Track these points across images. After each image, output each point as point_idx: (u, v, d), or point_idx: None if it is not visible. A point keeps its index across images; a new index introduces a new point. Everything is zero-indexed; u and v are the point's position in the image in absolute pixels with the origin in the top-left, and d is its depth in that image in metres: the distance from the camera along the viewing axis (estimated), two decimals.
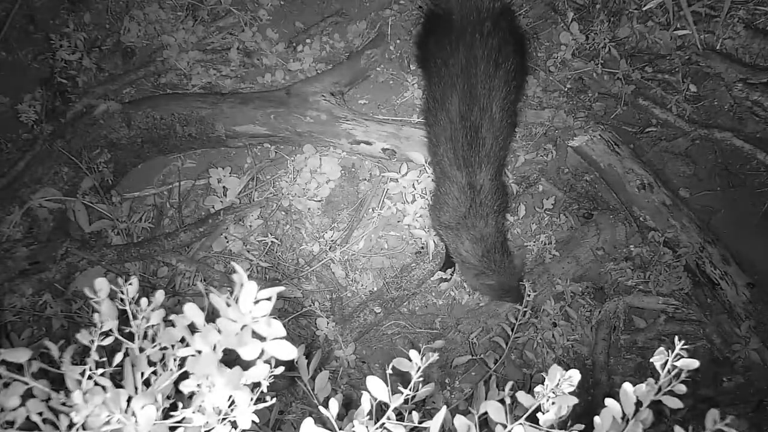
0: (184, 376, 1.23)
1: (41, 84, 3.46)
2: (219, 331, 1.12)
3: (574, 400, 1.28)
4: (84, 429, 1.21)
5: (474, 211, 2.67)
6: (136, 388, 1.30)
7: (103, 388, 1.24)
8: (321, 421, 1.43)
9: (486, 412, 1.34)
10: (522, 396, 1.29)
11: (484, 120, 2.62)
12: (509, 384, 1.40)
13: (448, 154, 2.66)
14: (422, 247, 3.16)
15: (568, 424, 1.36)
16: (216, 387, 1.16)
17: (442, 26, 2.76)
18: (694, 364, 1.29)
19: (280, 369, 1.24)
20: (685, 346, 1.30)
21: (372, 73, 3.44)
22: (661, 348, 1.32)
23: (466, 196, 2.67)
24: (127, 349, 1.33)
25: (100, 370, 1.27)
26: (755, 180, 3.27)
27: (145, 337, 1.35)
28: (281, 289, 1.12)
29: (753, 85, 3.24)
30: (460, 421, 1.32)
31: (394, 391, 1.38)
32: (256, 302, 1.10)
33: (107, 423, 1.20)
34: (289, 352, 1.12)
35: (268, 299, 1.10)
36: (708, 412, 1.26)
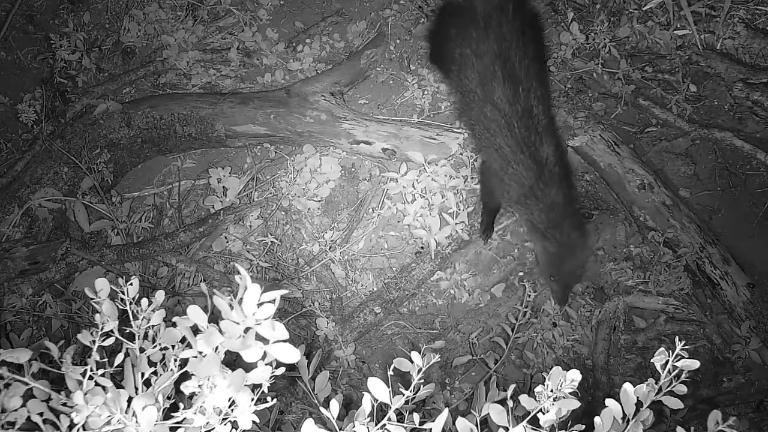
0: (185, 376, 1.23)
1: (41, 84, 3.46)
2: (221, 333, 1.12)
3: (576, 404, 1.28)
4: (85, 429, 1.21)
5: (543, 181, 2.62)
6: (136, 389, 1.30)
7: (104, 388, 1.24)
8: (321, 421, 1.43)
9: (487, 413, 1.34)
10: (524, 399, 1.29)
11: (531, 99, 2.60)
12: (512, 387, 1.40)
13: (508, 141, 2.61)
14: (422, 247, 3.16)
15: (569, 425, 1.36)
16: (218, 388, 1.16)
17: (462, 16, 2.72)
18: (695, 364, 1.29)
19: (281, 370, 1.24)
20: (686, 347, 1.30)
21: (372, 73, 3.44)
22: (662, 348, 1.32)
23: (533, 172, 2.62)
24: (127, 349, 1.33)
25: (101, 371, 1.27)
26: (755, 180, 3.27)
27: (145, 337, 1.35)
28: (285, 291, 1.12)
29: (753, 85, 3.24)
30: (461, 423, 1.32)
31: (395, 392, 1.38)
32: (260, 304, 1.10)
33: (108, 423, 1.20)
34: (292, 355, 1.12)
35: (272, 301, 1.10)
36: (710, 414, 1.26)
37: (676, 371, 1.31)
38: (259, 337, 1.14)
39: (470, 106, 2.75)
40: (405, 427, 1.38)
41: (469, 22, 2.69)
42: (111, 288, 1.33)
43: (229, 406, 1.24)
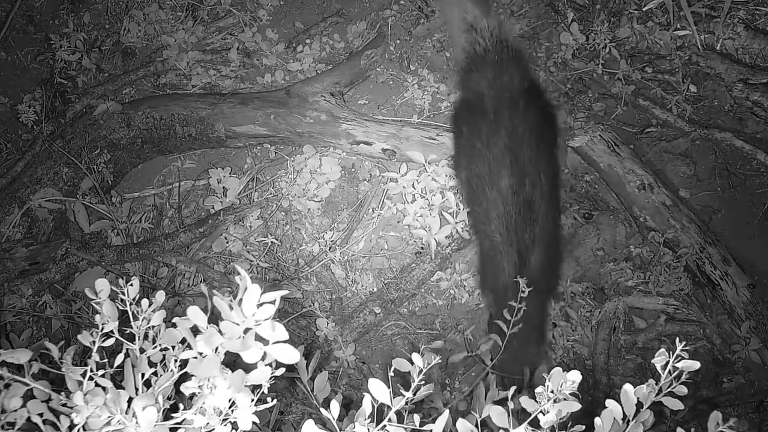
0: (185, 376, 1.23)
1: (41, 84, 3.46)
2: (221, 333, 1.12)
3: (578, 407, 1.28)
4: (85, 430, 1.21)
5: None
6: (136, 389, 1.30)
7: (104, 389, 1.24)
8: (321, 422, 1.43)
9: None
10: (525, 401, 1.28)
11: (536, 194, 2.63)
12: (513, 388, 1.40)
13: (501, 230, 2.65)
14: (422, 248, 3.16)
15: (569, 425, 1.36)
16: (218, 389, 1.16)
17: (475, 110, 2.80)
18: (695, 365, 1.28)
19: (281, 370, 1.24)
20: (686, 348, 1.30)
21: (372, 73, 3.45)
22: (662, 349, 1.32)
23: (515, 270, 2.64)
24: (127, 350, 1.33)
25: (101, 371, 1.27)
26: (755, 180, 3.27)
27: (145, 338, 1.35)
28: (285, 292, 1.12)
29: (753, 86, 3.24)
30: (462, 425, 1.32)
31: (395, 393, 1.38)
32: (259, 305, 1.10)
33: (108, 424, 1.20)
34: (292, 356, 1.12)
35: (272, 302, 1.10)
36: (711, 415, 1.26)
37: (677, 372, 1.31)
38: (259, 338, 1.14)
39: (476, 192, 2.78)
40: (405, 428, 1.38)
41: (480, 115, 2.76)
42: (111, 289, 1.33)
43: (230, 407, 1.24)
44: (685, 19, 3.17)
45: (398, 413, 1.40)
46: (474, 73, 2.91)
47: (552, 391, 1.28)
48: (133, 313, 1.33)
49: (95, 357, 1.27)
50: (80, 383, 1.23)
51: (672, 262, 3.06)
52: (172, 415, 1.25)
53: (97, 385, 1.24)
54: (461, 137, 2.91)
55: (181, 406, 1.25)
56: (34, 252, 2.92)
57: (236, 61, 3.44)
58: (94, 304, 1.31)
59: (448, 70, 3.44)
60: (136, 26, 3.51)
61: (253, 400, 1.23)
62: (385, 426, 1.35)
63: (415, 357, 1.39)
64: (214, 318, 1.15)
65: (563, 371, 1.31)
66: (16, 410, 1.19)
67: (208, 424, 1.23)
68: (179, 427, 1.26)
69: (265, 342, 1.14)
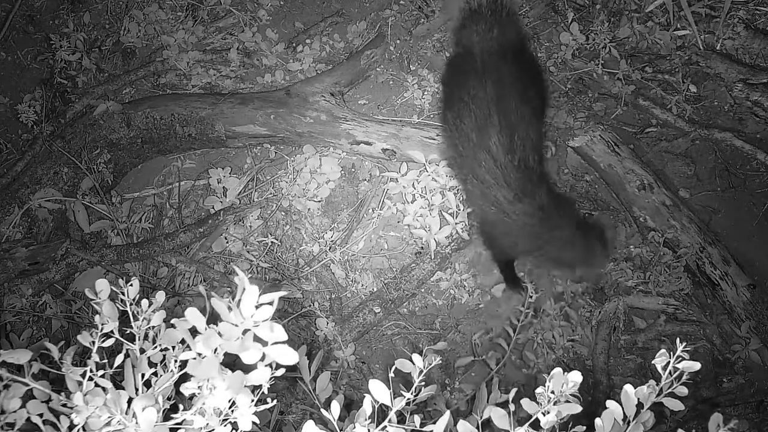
0: (185, 377, 1.23)
1: (41, 84, 3.46)
2: (220, 335, 1.12)
3: (578, 409, 1.28)
4: (85, 430, 1.21)
5: (548, 225, 2.61)
6: (136, 390, 1.30)
7: (104, 389, 1.24)
8: (322, 422, 1.43)
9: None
10: (526, 403, 1.28)
11: (528, 149, 2.57)
12: (513, 390, 1.40)
13: (504, 193, 2.59)
14: (422, 248, 3.16)
15: (569, 426, 1.36)
16: (217, 390, 1.16)
17: (464, 65, 2.76)
18: (696, 366, 1.28)
19: (281, 371, 1.24)
20: (686, 348, 1.30)
21: (372, 73, 3.44)
22: (663, 350, 1.32)
23: (537, 218, 2.60)
24: (127, 350, 1.33)
25: (101, 372, 1.27)
26: (755, 180, 3.27)
27: (145, 338, 1.35)
28: (284, 293, 1.12)
29: (753, 86, 3.24)
30: (463, 426, 1.32)
31: (396, 394, 1.38)
32: (258, 306, 1.10)
33: (108, 424, 1.20)
34: (291, 357, 1.12)
35: (270, 303, 1.10)
36: (712, 417, 1.26)
37: (677, 373, 1.31)
38: (258, 339, 1.13)
39: (465, 156, 2.70)
40: (405, 429, 1.38)
41: (469, 69, 2.71)
42: (111, 289, 1.33)
43: (230, 407, 1.24)
44: (685, 19, 3.17)
45: (399, 414, 1.40)
46: (466, 28, 2.84)
47: (552, 392, 1.28)
48: (133, 313, 1.33)
49: (95, 357, 1.27)
50: (80, 384, 1.23)
51: (672, 262, 3.06)
52: (172, 415, 1.25)
53: (97, 385, 1.24)
54: (451, 96, 2.84)
55: (181, 406, 1.25)
56: (34, 252, 2.92)
57: (236, 61, 3.44)
58: (94, 305, 1.31)
59: None
60: (136, 26, 3.51)
61: (253, 401, 1.23)
62: (385, 427, 1.35)
63: (416, 358, 1.39)
64: (215, 318, 1.15)
65: (563, 372, 1.31)
66: (15, 411, 1.19)
67: (207, 424, 1.23)
68: (179, 428, 1.26)
69: (264, 343, 1.13)
